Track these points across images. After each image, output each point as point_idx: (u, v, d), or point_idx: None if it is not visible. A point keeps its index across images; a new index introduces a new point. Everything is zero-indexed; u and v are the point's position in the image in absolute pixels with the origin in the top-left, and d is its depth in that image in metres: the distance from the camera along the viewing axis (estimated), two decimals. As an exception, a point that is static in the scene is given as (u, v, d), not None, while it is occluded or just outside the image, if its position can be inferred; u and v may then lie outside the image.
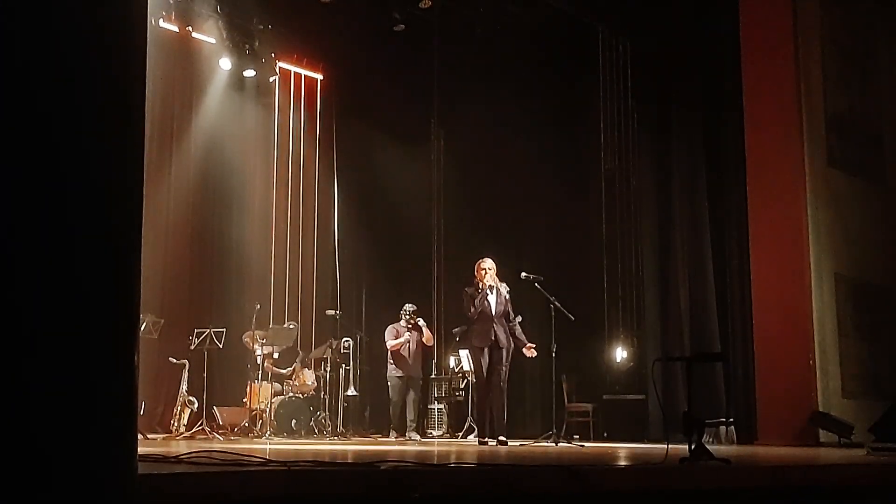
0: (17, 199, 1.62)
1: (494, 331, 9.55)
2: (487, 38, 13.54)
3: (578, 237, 13.84)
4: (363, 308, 14.00)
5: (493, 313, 9.59)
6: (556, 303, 9.95)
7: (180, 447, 7.04)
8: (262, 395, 11.04)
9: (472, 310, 9.60)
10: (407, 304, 12.23)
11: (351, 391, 12.11)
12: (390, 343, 12.07)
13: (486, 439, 9.56)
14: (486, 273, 9.67)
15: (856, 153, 12.16)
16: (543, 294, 10.04)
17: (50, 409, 1.51)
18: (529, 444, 10.06)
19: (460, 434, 12.43)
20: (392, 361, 12.15)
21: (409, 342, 12.06)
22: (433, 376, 13.59)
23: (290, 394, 11.49)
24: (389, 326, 12.29)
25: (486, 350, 9.55)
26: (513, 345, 9.70)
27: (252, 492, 3.31)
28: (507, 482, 4.05)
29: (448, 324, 13.72)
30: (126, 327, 1.73)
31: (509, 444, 9.51)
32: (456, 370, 13.01)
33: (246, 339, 11.47)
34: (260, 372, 11.05)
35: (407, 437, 11.71)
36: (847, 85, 12.18)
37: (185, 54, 12.84)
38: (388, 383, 12.14)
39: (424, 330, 12.12)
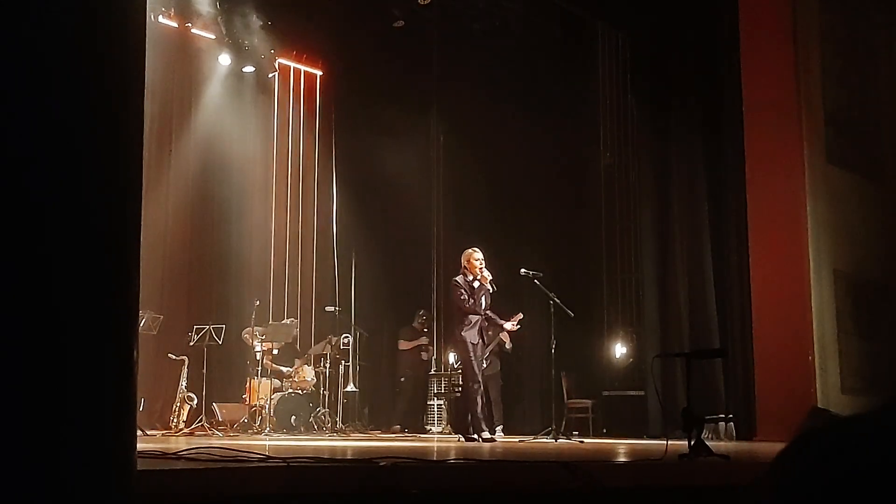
0: (16, 195, 1.62)
1: (483, 326, 9.50)
2: (486, 34, 13.53)
3: (577, 233, 13.83)
4: (362, 304, 14.00)
5: (483, 308, 9.53)
6: (556, 299, 9.94)
7: (179, 444, 7.05)
8: (262, 391, 11.04)
9: (472, 301, 9.43)
10: (421, 310, 12.61)
11: (350, 387, 12.13)
12: (404, 344, 12.40)
13: (487, 435, 9.37)
14: (480, 265, 9.54)
15: (855, 150, 12.16)
16: (543, 290, 10.04)
17: (49, 404, 1.51)
18: (529, 440, 10.06)
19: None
20: (404, 360, 12.49)
21: (421, 345, 12.47)
22: (432, 372, 13.61)
23: (290, 390, 11.49)
24: (404, 328, 12.65)
25: (477, 346, 9.42)
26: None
27: (252, 488, 3.32)
28: (507, 478, 4.05)
29: (447, 319, 13.74)
30: (125, 323, 1.73)
31: (507, 440, 9.51)
32: (455, 366, 13.02)
33: (245, 335, 11.47)
34: (259, 368, 11.05)
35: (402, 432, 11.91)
36: (846, 81, 12.17)
37: (185, 50, 12.84)
38: (401, 380, 12.52)
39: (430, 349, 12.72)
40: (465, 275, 9.51)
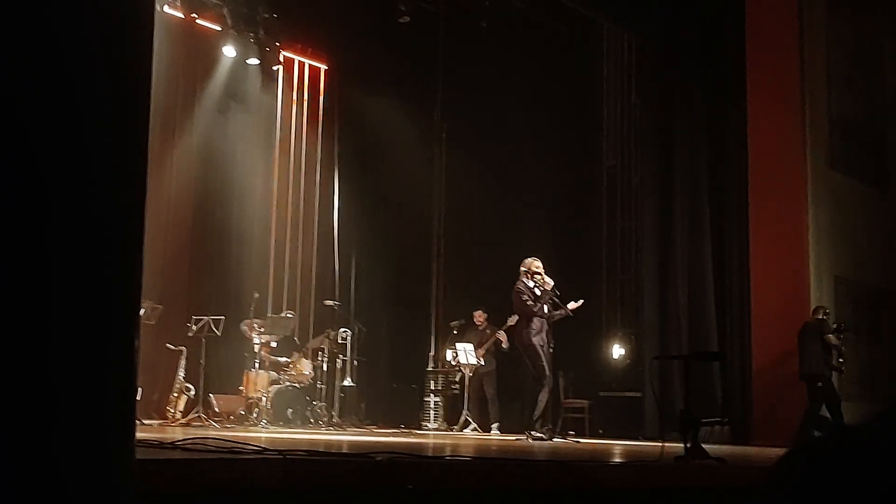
0: (21, 186, 1.62)
1: (546, 330, 9.81)
2: (492, 33, 13.53)
3: (578, 233, 13.84)
4: (362, 299, 13.99)
5: (547, 312, 9.85)
6: (555, 298, 9.96)
7: (176, 434, 7.06)
8: (259, 383, 11.02)
9: (538, 306, 9.71)
10: (477, 311, 12.74)
11: (347, 382, 12.13)
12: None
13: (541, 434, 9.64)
14: (542, 272, 9.79)
15: (858, 156, 12.16)
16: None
17: (49, 393, 1.51)
18: (525, 438, 10.07)
19: (456, 427, 12.42)
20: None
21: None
22: (430, 369, 13.59)
23: (287, 383, 11.48)
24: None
25: (544, 347, 9.74)
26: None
27: (247, 479, 3.32)
28: (502, 476, 4.05)
29: (446, 317, 13.74)
30: (127, 313, 1.72)
31: (503, 438, 9.54)
32: (453, 363, 12.99)
33: (244, 327, 11.46)
34: (257, 360, 11.05)
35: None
36: (852, 87, 12.17)
37: (190, 41, 12.80)
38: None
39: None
40: (526, 281, 9.83)
